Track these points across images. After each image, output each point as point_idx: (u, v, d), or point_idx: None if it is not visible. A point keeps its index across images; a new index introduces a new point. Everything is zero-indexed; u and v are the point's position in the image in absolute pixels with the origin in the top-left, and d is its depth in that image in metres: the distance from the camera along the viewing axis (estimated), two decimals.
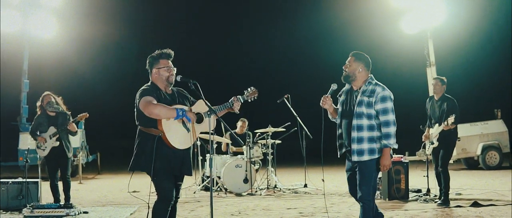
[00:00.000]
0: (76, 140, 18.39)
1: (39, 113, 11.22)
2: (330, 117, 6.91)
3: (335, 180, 16.43)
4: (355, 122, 6.52)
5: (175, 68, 6.47)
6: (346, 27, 38.55)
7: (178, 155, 6.32)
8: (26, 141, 18.56)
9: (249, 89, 6.93)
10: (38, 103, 11.25)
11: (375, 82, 6.65)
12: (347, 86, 6.82)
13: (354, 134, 6.53)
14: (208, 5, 49.58)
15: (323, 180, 6.93)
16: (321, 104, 6.70)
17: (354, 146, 6.54)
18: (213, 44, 50.46)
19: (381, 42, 28.80)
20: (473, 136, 20.12)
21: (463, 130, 20.01)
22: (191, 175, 6.58)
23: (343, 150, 6.71)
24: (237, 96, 6.78)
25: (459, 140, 19.44)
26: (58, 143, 10.86)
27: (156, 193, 6.34)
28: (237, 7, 50.77)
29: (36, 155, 17.97)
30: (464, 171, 20.06)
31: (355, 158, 6.53)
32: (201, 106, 6.53)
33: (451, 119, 10.34)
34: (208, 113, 6.49)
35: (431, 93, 11.20)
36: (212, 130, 6.52)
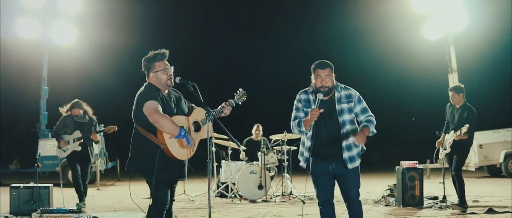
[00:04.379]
0: (96, 147, 18.33)
1: (66, 115, 11.30)
2: (302, 128, 6.52)
3: None
4: (342, 130, 6.47)
5: (172, 67, 6.40)
6: (367, 33, 38.32)
7: (176, 161, 6.28)
8: (45, 147, 18.61)
9: (238, 91, 6.86)
10: (65, 108, 11.32)
11: (342, 86, 6.61)
12: (307, 95, 6.64)
13: (344, 143, 6.49)
14: (226, 11, 49.66)
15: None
16: (311, 119, 6.29)
17: (346, 155, 6.50)
18: (229, 49, 50.53)
19: (402, 49, 28.55)
20: (496, 143, 19.77)
21: (486, 137, 19.75)
22: (185, 179, 6.57)
23: (332, 161, 6.57)
24: (229, 100, 6.71)
25: (481, 147, 19.44)
26: (80, 148, 10.95)
27: (151, 197, 6.30)
28: (258, 12, 50.79)
29: (55, 161, 18.18)
30: (486, 179, 19.75)
31: (349, 165, 6.50)
32: (198, 114, 6.49)
33: (464, 129, 10.26)
34: (206, 114, 6.40)
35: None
36: (211, 136, 6.48)
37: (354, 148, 6.53)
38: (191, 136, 6.26)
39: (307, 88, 6.71)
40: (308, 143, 6.58)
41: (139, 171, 6.26)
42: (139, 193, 13.65)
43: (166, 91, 6.42)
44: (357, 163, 6.58)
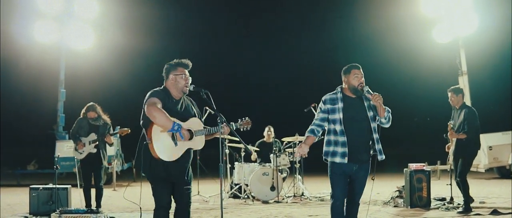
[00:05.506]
0: (112, 148, 18.60)
1: (81, 116, 11.55)
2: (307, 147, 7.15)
3: None
4: (373, 125, 7.00)
5: (190, 78, 6.61)
6: (377, 37, 38.47)
7: (175, 163, 6.43)
8: (62, 149, 18.91)
9: (243, 119, 7.07)
10: (82, 111, 11.58)
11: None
12: (332, 95, 7.11)
13: (375, 135, 7.02)
14: (239, 17, 49.92)
15: (373, 179, 7.13)
16: (300, 155, 7.13)
17: (378, 146, 7.05)
18: (242, 53, 50.71)
19: (412, 52, 28.69)
20: (505, 144, 19.88)
21: (495, 138, 19.88)
22: (186, 181, 6.65)
23: (370, 154, 7.09)
24: (230, 123, 6.89)
25: (490, 149, 19.62)
26: (95, 150, 11.20)
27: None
28: (268, 16, 51.01)
29: (72, 162, 18.49)
30: (495, 180, 19.91)
31: (379, 157, 7.07)
32: (194, 123, 6.61)
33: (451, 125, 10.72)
34: (219, 121, 6.60)
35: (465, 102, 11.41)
36: (201, 148, 6.70)
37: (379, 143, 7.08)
38: (181, 140, 6.37)
39: (333, 91, 7.19)
40: (341, 138, 6.95)
41: (138, 169, 6.48)
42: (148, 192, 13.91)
43: (179, 96, 6.61)
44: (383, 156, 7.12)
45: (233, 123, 6.94)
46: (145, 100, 6.39)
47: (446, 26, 19.83)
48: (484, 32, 21.02)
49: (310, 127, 7.12)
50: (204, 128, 6.67)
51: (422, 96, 41.55)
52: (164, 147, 6.33)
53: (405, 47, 30.92)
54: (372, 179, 7.31)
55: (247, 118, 7.09)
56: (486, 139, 19.47)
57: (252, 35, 51.83)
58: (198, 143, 6.65)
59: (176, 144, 6.36)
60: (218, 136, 6.67)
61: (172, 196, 6.63)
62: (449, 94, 11.29)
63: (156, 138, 6.28)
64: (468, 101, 18.52)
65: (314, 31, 51.09)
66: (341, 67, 7.18)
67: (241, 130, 7.07)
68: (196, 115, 6.76)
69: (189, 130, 6.48)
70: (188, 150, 6.56)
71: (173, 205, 6.66)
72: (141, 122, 6.44)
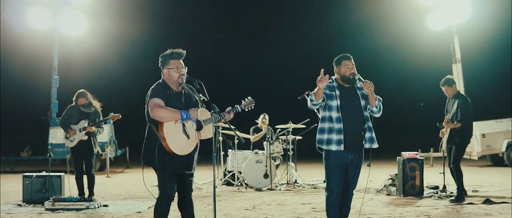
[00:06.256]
0: (105, 135, 18.62)
1: (73, 104, 11.50)
2: (313, 98, 6.88)
3: None
4: (365, 114, 7.03)
5: (186, 68, 6.55)
6: (371, 24, 38.45)
7: (187, 155, 6.48)
8: (55, 135, 18.91)
9: (246, 99, 7.06)
10: (74, 98, 11.54)
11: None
12: (329, 83, 7.02)
13: (369, 124, 7.05)
14: (235, 3, 49.73)
15: (369, 165, 7.17)
16: (320, 83, 6.70)
17: (367, 134, 7.04)
18: (238, 40, 50.62)
19: (406, 39, 28.74)
20: (498, 132, 19.96)
21: (488, 126, 19.96)
22: (192, 171, 6.72)
23: (363, 143, 7.05)
24: (235, 105, 6.91)
25: (484, 137, 19.69)
26: (86, 137, 11.16)
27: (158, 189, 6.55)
28: (264, 5, 50.87)
29: (64, 149, 18.50)
30: (488, 168, 19.99)
31: (373, 145, 7.09)
32: (201, 113, 6.58)
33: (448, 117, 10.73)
34: (212, 112, 6.59)
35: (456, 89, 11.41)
36: (212, 136, 6.67)
37: (373, 132, 7.10)
38: (189, 127, 6.41)
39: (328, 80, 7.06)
40: (337, 125, 6.93)
41: (149, 164, 6.45)
42: (148, 180, 13.95)
43: (181, 86, 6.59)
44: (375, 144, 7.13)
45: (237, 106, 6.96)
46: (147, 101, 6.39)
47: (440, 14, 19.83)
48: (478, 20, 21.05)
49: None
50: (211, 116, 6.65)
51: (415, 83, 41.59)
52: (179, 142, 6.35)
53: (399, 35, 31.01)
54: (368, 165, 7.33)
55: (249, 98, 7.09)
56: (479, 127, 19.55)
57: (246, 23, 51.66)
58: (208, 133, 6.67)
59: (188, 137, 6.40)
60: (220, 124, 6.75)
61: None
62: (443, 88, 11.27)
63: (169, 136, 6.27)
64: (461, 89, 18.58)
65: (308, 21, 50.87)
66: (335, 55, 7.20)
67: (246, 110, 7.07)
68: (199, 102, 6.73)
69: (198, 121, 6.48)
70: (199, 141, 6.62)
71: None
72: (148, 119, 6.45)
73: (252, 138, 14.86)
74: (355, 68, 7.06)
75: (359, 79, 6.95)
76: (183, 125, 6.38)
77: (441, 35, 20.99)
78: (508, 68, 31.98)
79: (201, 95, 6.73)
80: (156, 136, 6.32)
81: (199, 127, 6.52)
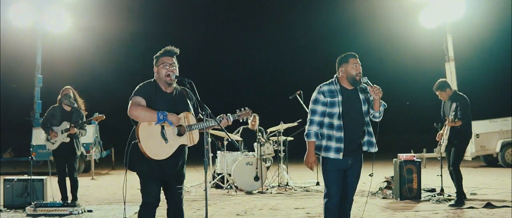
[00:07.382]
0: (90, 136, 18.29)
1: (57, 103, 11.08)
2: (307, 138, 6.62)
3: None
4: (366, 118, 6.55)
5: (176, 66, 6.17)
6: (364, 22, 38.21)
7: (167, 161, 6.04)
8: (39, 136, 18.43)
9: (242, 109, 6.57)
10: (58, 97, 11.13)
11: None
12: (330, 86, 6.56)
13: (369, 128, 6.61)
14: (226, 3, 49.55)
15: (370, 175, 6.76)
16: (311, 167, 6.58)
17: (366, 138, 6.59)
18: (227, 39, 50.47)
19: (399, 37, 28.48)
20: (492, 132, 19.71)
21: (482, 126, 19.71)
22: (179, 180, 6.34)
23: (363, 147, 6.60)
24: (227, 114, 6.44)
25: (478, 137, 19.39)
26: (68, 139, 10.73)
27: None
28: (254, 5, 50.67)
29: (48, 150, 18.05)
30: (482, 169, 19.73)
31: (365, 148, 6.58)
32: (184, 118, 6.16)
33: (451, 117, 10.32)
34: (202, 113, 6.15)
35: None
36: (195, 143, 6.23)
37: (373, 136, 6.66)
38: (171, 127, 6.02)
39: (328, 81, 6.62)
40: (338, 134, 6.42)
41: (131, 167, 6.08)
42: (133, 183, 13.54)
43: (170, 88, 6.22)
44: (374, 149, 6.66)
45: (230, 115, 6.49)
46: (130, 98, 6.04)
47: (433, 11, 19.65)
48: (471, 18, 20.88)
49: (310, 129, 6.52)
50: (197, 122, 6.21)
51: (408, 81, 41.48)
52: (154, 145, 5.94)
53: (392, 33, 30.77)
54: (370, 175, 7.03)
55: (246, 108, 6.61)
56: (473, 127, 19.20)
57: (237, 21, 51.54)
58: (191, 139, 6.20)
59: (166, 141, 5.97)
60: (214, 129, 6.33)
61: (164, 195, 6.30)
62: (437, 93, 11.00)
63: (144, 137, 5.90)
64: (454, 87, 18.28)
65: (299, 19, 50.78)
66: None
67: (241, 120, 6.61)
68: (190, 106, 6.32)
69: (179, 125, 6.07)
70: (182, 147, 6.14)
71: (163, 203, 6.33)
72: (131, 119, 6.09)
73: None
74: (361, 68, 6.56)
75: (367, 83, 6.46)
76: (162, 128, 5.96)
77: (434, 33, 20.79)
78: (502, 67, 31.87)
79: (194, 98, 6.29)
80: (134, 134, 5.99)
81: (180, 132, 6.08)
